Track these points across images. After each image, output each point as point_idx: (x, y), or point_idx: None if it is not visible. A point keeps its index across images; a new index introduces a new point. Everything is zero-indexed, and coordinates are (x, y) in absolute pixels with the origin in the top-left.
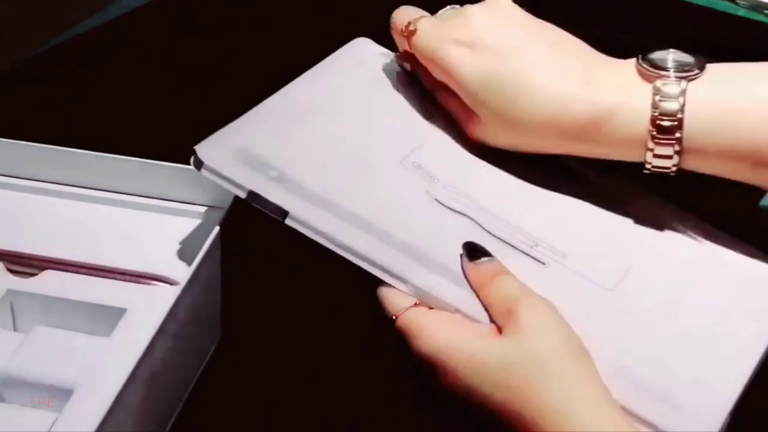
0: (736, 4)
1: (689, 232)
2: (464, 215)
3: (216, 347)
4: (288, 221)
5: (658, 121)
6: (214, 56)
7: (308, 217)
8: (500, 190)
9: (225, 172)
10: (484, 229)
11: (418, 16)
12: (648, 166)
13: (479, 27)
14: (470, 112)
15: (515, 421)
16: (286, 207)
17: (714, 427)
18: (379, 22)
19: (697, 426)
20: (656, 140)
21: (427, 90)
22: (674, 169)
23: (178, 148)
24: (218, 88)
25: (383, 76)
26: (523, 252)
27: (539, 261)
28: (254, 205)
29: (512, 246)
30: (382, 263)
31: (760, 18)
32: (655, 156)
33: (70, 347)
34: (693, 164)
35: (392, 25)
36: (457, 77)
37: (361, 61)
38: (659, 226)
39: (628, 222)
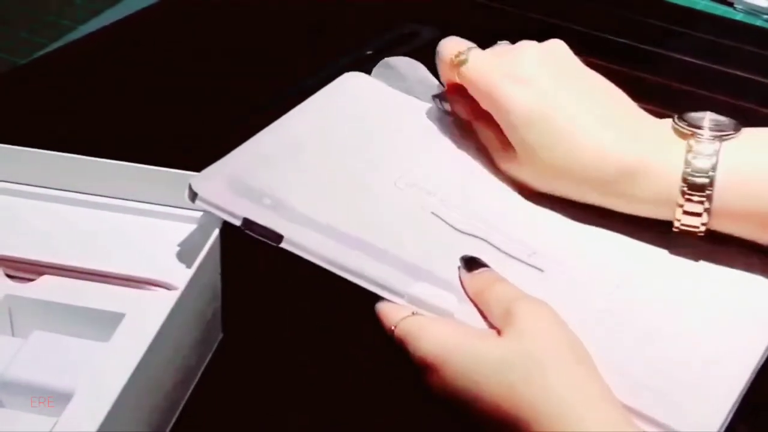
0: (734, 8)
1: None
2: (460, 230)
3: (217, 348)
4: (283, 245)
5: (689, 178)
6: (217, 61)
7: (302, 239)
8: (495, 202)
9: (219, 202)
10: (481, 239)
11: (466, 47)
12: (677, 223)
13: (534, 66)
14: (507, 147)
15: (516, 420)
16: (279, 230)
17: (716, 423)
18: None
19: (699, 421)
20: (687, 196)
21: (418, 120)
22: (703, 228)
23: (177, 152)
24: (217, 94)
25: (374, 108)
26: (521, 260)
27: (537, 268)
28: (249, 232)
29: (509, 255)
30: (377, 280)
31: (758, 22)
32: (685, 213)
33: (68, 352)
34: (722, 225)
35: (439, 55)
36: (505, 109)
37: (352, 94)
38: (656, 229)
39: (624, 226)
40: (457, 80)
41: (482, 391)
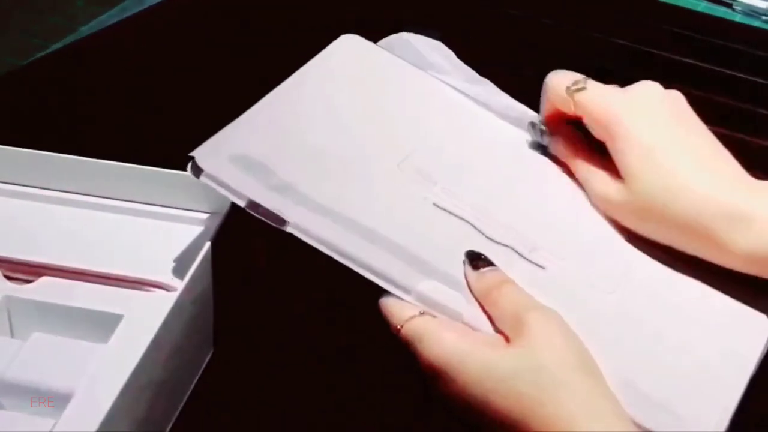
0: (733, 9)
1: None
2: (463, 219)
3: (209, 361)
4: (289, 229)
5: None
6: (217, 62)
7: (310, 225)
8: (498, 192)
9: (225, 180)
10: (483, 234)
11: (582, 77)
12: None
13: (656, 103)
14: (607, 183)
15: (523, 431)
16: (286, 216)
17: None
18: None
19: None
20: None
21: (419, 91)
22: None
23: (176, 154)
24: (218, 95)
25: (374, 73)
26: (522, 256)
27: (538, 265)
28: (253, 213)
29: (511, 249)
30: (385, 272)
31: (756, 23)
32: None
33: (67, 354)
34: None
35: (549, 84)
36: (623, 137)
37: (350, 58)
38: None
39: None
40: (569, 110)
41: (491, 402)
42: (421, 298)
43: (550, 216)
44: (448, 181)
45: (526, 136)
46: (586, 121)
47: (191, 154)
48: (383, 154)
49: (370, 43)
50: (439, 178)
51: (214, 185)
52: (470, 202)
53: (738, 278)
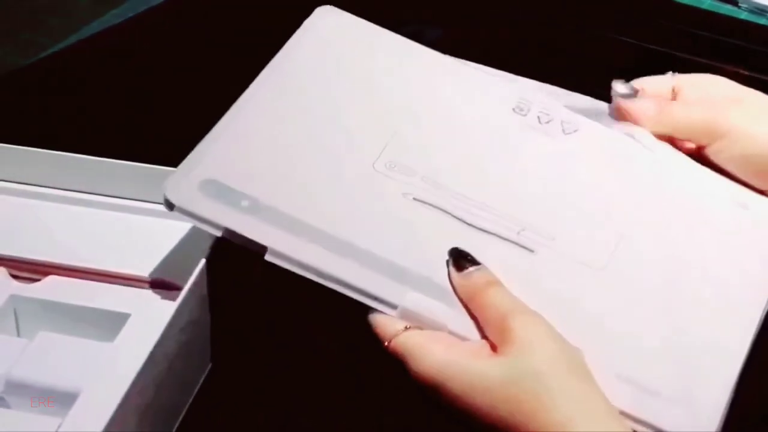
0: (738, 7)
1: (680, 188)
2: (445, 211)
3: (215, 360)
4: (268, 257)
5: None
6: (220, 61)
7: (289, 250)
8: (479, 174)
9: (198, 212)
10: (467, 224)
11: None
12: None
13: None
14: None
15: None
16: (264, 242)
17: (713, 421)
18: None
19: (696, 422)
20: None
21: (401, 66)
22: None
23: (176, 153)
24: (221, 95)
25: (351, 50)
26: (510, 240)
27: (527, 248)
28: (232, 241)
29: (497, 236)
30: (369, 291)
31: (762, 21)
32: None
33: (73, 353)
34: None
35: (632, 112)
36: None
37: (325, 37)
38: (647, 191)
39: (613, 192)
40: (661, 130)
41: (483, 412)
42: (405, 314)
43: (535, 192)
44: (430, 168)
45: (513, 107)
46: (678, 135)
47: (163, 186)
48: (359, 155)
49: (347, 14)
50: (418, 167)
51: (188, 218)
52: (453, 188)
53: (733, 259)
